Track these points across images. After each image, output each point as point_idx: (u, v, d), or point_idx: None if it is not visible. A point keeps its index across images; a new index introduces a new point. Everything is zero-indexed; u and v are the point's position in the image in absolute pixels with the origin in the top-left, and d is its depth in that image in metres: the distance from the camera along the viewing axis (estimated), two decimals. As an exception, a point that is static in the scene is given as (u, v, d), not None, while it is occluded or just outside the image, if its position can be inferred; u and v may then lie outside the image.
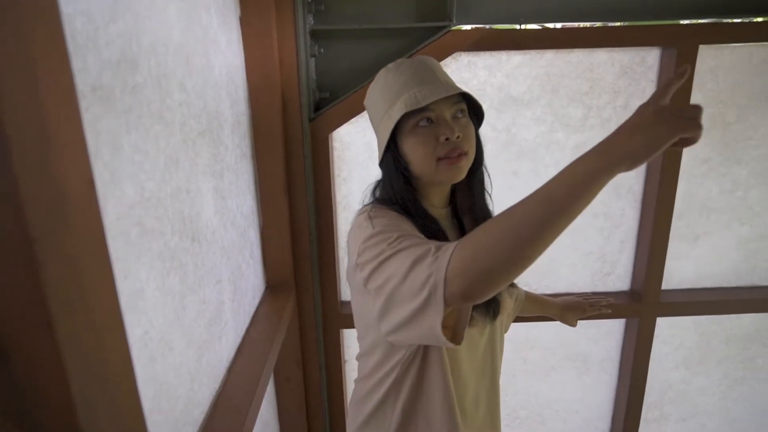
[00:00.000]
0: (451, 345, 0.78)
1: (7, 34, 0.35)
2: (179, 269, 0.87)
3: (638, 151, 0.63)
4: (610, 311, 1.35)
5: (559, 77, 1.57)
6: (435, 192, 0.99)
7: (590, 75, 1.57)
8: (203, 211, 1.01)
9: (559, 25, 1.51)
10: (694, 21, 1.50)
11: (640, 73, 1.57)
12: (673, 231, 1.66)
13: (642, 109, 0.66)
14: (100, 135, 0.63)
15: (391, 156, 0.93)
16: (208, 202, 1.05)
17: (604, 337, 1.88)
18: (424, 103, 0.86)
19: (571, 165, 0.65)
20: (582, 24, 1.52)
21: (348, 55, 1.49)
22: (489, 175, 1.03)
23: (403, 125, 0.90)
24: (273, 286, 1.56)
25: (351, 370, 1.87)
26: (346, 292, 1.76)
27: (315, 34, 1.46)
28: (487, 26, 1.46)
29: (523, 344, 1.87)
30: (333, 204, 1.61)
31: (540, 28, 1.50)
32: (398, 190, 0.94)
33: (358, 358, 1.07)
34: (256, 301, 1.45)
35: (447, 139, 0.87)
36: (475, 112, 0.97)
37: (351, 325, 1.69)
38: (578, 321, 1.35)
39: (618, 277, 1.80)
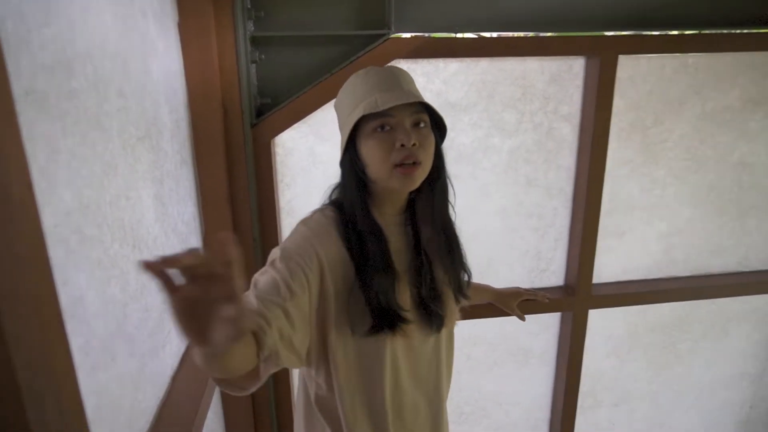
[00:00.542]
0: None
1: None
2: (120, 277, 0.86)
3: None
4: (547, 300, 1.42)
5: (493, 84, 1.64)
6: (390, 198, 1.01)
7: (523, 82, 1.65)
8: (144, 218, 0.99)
9: (494, 35, 1.58)
10: (616, 33, 1.62)
11: (568, 80, 1.67)
12: (601, 228, 1.77)
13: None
14: (35, 140, 0.61)
15: (349, 157, 0.96)
16: (149, 209, 1.03)
17: (543, 331, 1.97)
18: (382, 108, 0.88)
19: None
20: (515, 33, 1.59)
21: (289, 62, 1.50)
22: (453, 186, 1.06)
23: (363, 128, 0.93)
24: (217, 294, 1.53)
25: (299, 377, 1.86)
26: (292, 298, 1.75)
27: (255, 41, 1.46)
28: (426, 35, 1.51)
29: (466, 341, 1.94)
30: (276, 209, 1.61)
31: (476, 37, 1.57)
32: (349, 193, 0.97)
33: None
34: (201, 309, 1.42)
35: (402, 145, 0.89)
36: (438, 126, 1.00)
37: (298, 330, 1.68)
38: (524, 316, 1.41)
39: (553, 273, 1.89)
